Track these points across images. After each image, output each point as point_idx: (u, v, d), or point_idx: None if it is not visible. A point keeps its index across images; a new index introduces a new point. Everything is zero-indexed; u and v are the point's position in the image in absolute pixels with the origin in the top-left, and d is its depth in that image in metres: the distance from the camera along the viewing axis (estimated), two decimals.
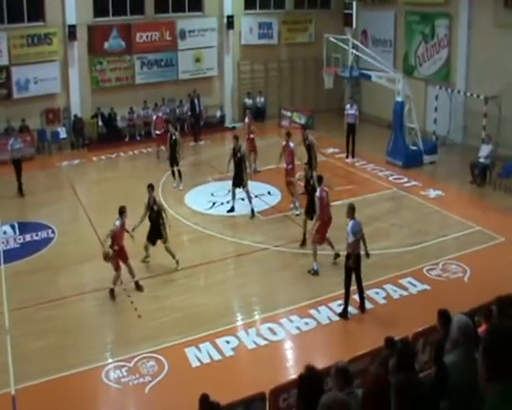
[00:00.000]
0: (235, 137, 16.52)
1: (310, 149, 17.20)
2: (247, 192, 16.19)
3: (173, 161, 18.48)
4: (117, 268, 12.32)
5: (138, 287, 12.57)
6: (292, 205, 16.45)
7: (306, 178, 14.36)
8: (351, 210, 11.42)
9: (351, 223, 11.29)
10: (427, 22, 23.69)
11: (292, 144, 16.54)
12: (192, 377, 9.70)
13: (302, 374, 4.87)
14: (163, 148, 20.60)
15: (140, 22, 24.75)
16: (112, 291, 12.28)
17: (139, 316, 11.55)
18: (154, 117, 22.57)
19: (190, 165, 21.26)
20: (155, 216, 13.33)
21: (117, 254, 12.27)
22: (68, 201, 18.34)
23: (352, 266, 11.19)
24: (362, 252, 11.39)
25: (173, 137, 18.43)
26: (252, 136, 19.94)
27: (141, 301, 12.12)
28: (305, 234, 14.13)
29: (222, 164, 20.72)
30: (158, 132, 21.84)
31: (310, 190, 14.00)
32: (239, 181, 16.21)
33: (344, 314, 11.33)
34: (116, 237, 12.26)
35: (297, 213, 15.90)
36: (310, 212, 13.74)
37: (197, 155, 23.13)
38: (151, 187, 13.59)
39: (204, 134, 24.91)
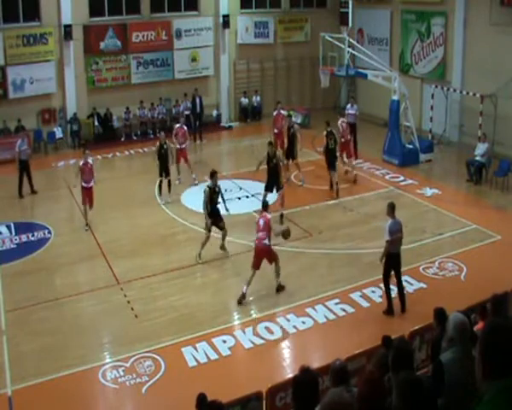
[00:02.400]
0: (271, 143, 16.03)
1: (293, 137, 18.10)
2: (283, 196, 15.89)
3: (164, 171, 17.34)
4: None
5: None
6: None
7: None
8: (390, 208, 11.34)
9: (389, 222, 11.24)
10: (423, 21, 23.71)
11: (185, 127, 19.16)
12: (189, 376, 9.70)
13: (296, 376, 4.86)
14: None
15: (136, 22, 24.70)
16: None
17: (136, 316, 11.54)
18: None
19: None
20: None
21: None
22: (64, 201, 18.30)
23: (384, 266, 11.30)
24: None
25: (164, 147, 17.31)
26: (283, 130, 20.27)
27: (137, 300, 12.10)
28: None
29: (219, 163, 20.79)
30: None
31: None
32: (273, 186, 15.84)
33: (389, 311, 11.33)
34: None
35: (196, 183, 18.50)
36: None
37: (194, 154, 23.07)
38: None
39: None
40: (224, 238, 14.04)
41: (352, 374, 5.81)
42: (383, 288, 11.46)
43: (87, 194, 15.86)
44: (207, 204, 13.70)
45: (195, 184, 18.55)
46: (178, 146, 18.87)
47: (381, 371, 5.36)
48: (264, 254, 12.12)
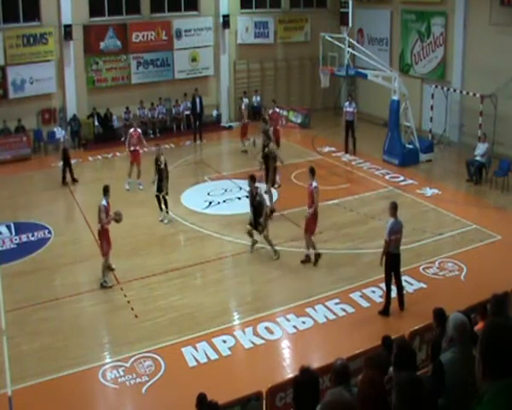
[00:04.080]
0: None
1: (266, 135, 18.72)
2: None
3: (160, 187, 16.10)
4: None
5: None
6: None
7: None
8: (393, 208, 11.33)
9: (391, 221, 11.25)
10: (423, 21, 23.72)
11: (139, 130, 18.89)
12: (189, 376, 9.68)
13: (297, 377, 4.85)
14: None
15: (136, 22, 24.71)
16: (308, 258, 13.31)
17: (136, 316, 11.53)
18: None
19: (187, 164, 21.25)
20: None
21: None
22: (64, 201, 18.30)
23: (385, 267, 11.31)
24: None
25: (160, 159, 16.01)
26: (278, 127, 20.74)
27: (137, 300, 12.10)
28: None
29: (219, 163, 20.81)
30: None
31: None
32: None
33: (385, 311, 11.33)
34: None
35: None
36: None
37: (194, 154, 23.10)
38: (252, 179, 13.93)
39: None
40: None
41: (352, 374, 5.81)
42: (385, 288, 11.47)
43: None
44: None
45: (127, 190, 18.34)
46: (132, 148, 18.61)
47: (378, 374, 5.35)
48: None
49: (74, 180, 19.40)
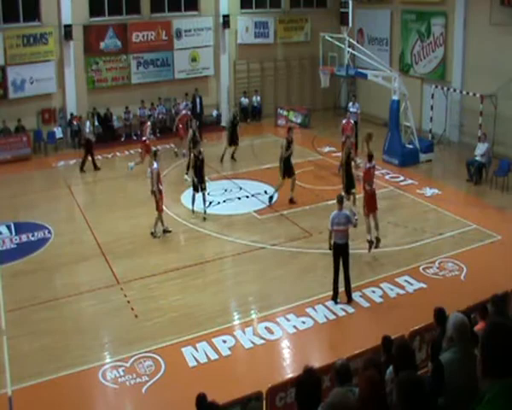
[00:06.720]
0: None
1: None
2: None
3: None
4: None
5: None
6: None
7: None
8: (336, 202, 11.75)
9: (334, 213, 11.65)
10: (424, 21, 23.72)
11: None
12: (189, 376, 9.68)
13: (300, 377, 4.85)
14: None
15: (136, 22, 24.71)
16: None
17: (136, 316, 11.53)
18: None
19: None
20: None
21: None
22: (64, 201, 18.29)
23: (332, 256, 11.73)
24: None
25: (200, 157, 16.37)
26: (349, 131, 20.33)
27: (137, 300, 12.10)
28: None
29: (218, 163, 20.78)
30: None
31: None
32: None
33: (333, 298, 11.73)
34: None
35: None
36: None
37: None
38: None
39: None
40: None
41: (352, 374, 5.81)
42: (333, 275, 11.76)
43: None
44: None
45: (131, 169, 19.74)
46: (145, 138, 20.13)
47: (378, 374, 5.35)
48: None
49: (96, 168, 20.82)
